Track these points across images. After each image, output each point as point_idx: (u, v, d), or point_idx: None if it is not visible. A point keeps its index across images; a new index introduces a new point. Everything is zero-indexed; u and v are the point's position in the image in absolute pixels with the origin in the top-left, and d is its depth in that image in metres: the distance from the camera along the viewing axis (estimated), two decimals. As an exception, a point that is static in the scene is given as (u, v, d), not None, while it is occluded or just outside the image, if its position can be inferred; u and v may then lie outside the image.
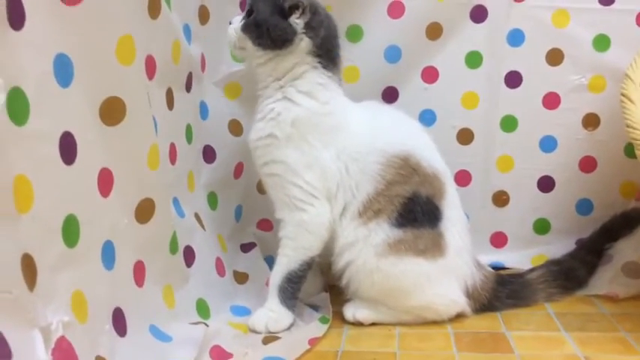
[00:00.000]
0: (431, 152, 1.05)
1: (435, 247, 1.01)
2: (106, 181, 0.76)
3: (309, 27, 0.99)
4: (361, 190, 1.01)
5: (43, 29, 0.64)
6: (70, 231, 0.68)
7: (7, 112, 0.57)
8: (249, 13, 1.01)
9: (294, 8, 0.98)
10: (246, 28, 1.01)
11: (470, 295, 1.04)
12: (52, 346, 0.61)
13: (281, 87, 1.02)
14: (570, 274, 1.13)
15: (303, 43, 1.00)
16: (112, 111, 0.76)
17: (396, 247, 0.99)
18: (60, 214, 0.67)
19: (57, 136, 0.66)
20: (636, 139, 0.94)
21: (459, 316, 1.04)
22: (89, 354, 0.67)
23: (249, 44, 1.01)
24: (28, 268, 0.60)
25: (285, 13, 0.99)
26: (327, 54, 1.02)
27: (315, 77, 1.02)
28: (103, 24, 0.72)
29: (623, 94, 1.02)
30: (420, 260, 0.99)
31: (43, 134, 0.64)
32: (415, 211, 1.00)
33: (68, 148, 0.68)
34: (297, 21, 0.99)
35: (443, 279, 1.01)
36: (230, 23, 1.04)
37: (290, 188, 1.01)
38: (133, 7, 0.81)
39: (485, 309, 1.06)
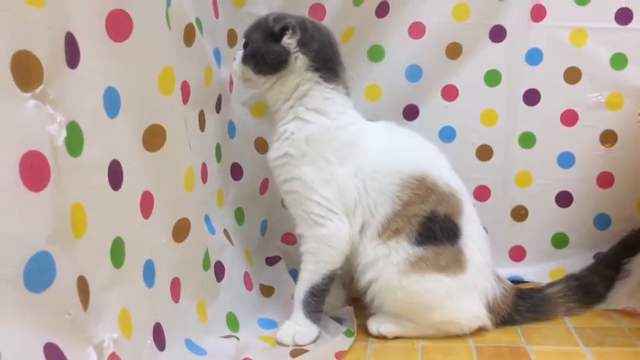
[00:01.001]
0: (447, 172, 1.09)
1: (455, 264, 1.04)
2: (147, 204, 0.81)
3: (301, 44, 1.03)
4: (380, 210, 1.04)
5: (95, 65, 0.68)
6: (117, 252, 0.73)
7: (65, 146, 0.62)
8: (245, 46, 1.07)
9: (284, 30, 1.02)
10: (245, 60, 1.05)
11: (491, 309, 1.07)
12: (105, 362, 0.65)
13: (291, 107, 1.05)
14: (589, 288, 1.16)
15: (299, 61, 1.03)
16: (153, 138, 0.80)
17: (417, 265, 1.02)
18: (109, 237, 0.72)
19: (106, 165, 0.71)
20: (655, 161, 0.97)
21: (481, 330, 1.07)
22: (135, 368, 0.72)
23: (251, 74, 1.06)
24: (83, 289, 0.64)
25: (277, 37, 1.03)
26: (325, 65, 1.05)
27: (320, 93, 1.05)
28: (147, 57, 0.77)
29: (640, 115, 1.05)
30: (442, 276, 1.02)
31: (95, 163, 0.69)
32: (434, 229, 1.03)
33: (116, 175, 0.73)
34: (289, 41, 1.03)
35: (464, 294, 1.04)
36: (234, 59, 1.09)
37: (308, 204, 1.04)
38: (172, 39, 0.86)
39: (505, 322, 1.09)
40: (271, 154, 1.08)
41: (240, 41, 1.22)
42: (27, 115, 0.56)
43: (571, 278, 1.18)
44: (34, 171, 0.56)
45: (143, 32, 0.74)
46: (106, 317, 0.69)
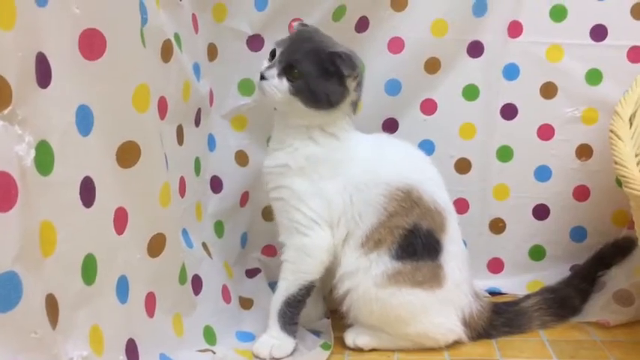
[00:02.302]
0: (435, 187, 1.09)
1: (433, 279, 1.05)
2: (121, 220, 0.81)
3: (359, 85, 1.06)
4: (365, 220, 1.04)
5: (67, 84, 0.69)
6: (89, 269, 0.73)
7: (35, 165, 0.62)
8: (287, 68, 1.01)
9: (351, 74, 1.03)
10: (297, 92, 1.01)
11: (467, 324, 1.08)
12: (73, 379, 0.65)
13: (307, 127, 1.06)
14: (565, 302, 1.17)
15: (350, 98, 1.05)
16: (127, 154, 0.81)
17: (394, 278, 1.03)
18: (80, 254, 0.72)
19: (78, 182, 0.72)
20: (624, 176, 0.99)
21: (457, 343, 1.08)
22: (105, 385, 0.72)
23: (298, 104, 1.02)
24: (51, 307, 0.65)
25: (340, 76, 1.02)
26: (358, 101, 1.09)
27: (344, 123, 1.07)
28: (121, 75, 0.78)
29: (611, 131, 1.07)
30: (418, 291, 1.03)
31: (66, 181, 0.70)
32: (415, 244, 1.04)
33: (88, 192, 0.73)
34: (353, 84, 1.04)
35: (440, 308, 1.06)
36: (263, 78, 1.02)
37: (293, 213, 1.05)
38: (147, 56, 0.87)
39: (481, 337, 1.10)
40: (269, 161, 1.08)
41: (221, 56, 1.23)
42: (-6, 136, 0.56)
43: (547, 291, 1.20)
44: (1, 191, 0.56)
45: (117, 51, 0.75)
46: (76, 334, 0.69)
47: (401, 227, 1.04)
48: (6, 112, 0.58)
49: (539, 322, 1.14)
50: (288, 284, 1.06)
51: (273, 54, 1.05)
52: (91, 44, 0.73)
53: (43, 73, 0.65)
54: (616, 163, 1.02)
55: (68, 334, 0.67)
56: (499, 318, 1.12)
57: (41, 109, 0.64)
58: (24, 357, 0.58)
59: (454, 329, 1.07)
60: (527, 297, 1.19)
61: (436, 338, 1.06)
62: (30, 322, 0.60)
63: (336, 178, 1.05)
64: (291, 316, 1.06)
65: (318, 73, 1.02)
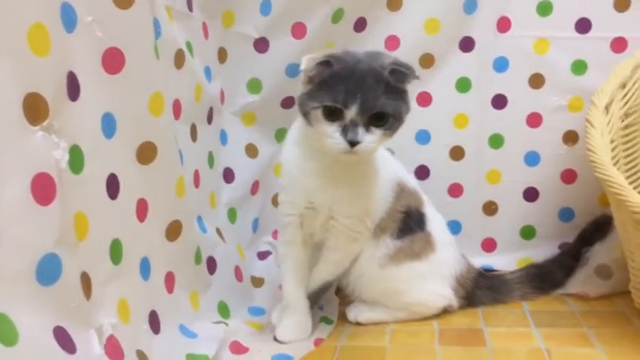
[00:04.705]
0: (406, 172, 1.22)
1: (427, 246, 1.17)
2: (142, 209, 0.94)
3: None
4: (379, 213, 1.14)
5: (93, 96, 0.81)
6: (116, 252, 0.86)
7: (69, 166, 0.75)
8: (373, 119, 0.96)
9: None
10: (391, 131, 1.00)
11: (458, 281, 1.20)
12: (104, 342, 0.78)
13: None
14: (547, 276, 1.28)
15: None
16: (146, 153, 0.93)
17: (396, 257, 1.15)
18: (108, 239, 0.85)
19: (104, 178, 0.84)
20: (593, 161, 1.08)
21: (446, 314, 1.19)
22: (131, 348, 0.84)
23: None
24: (85, 283, 0.78)
25: (406, 93, 1.01)
26: None
27: None
28: (137, 85, 0.90)
29: (587, 120, 1.15)
30: (415, 263, 1.16)
31: (94, 178, 0.82)
32: (410, 222, 1.16)
33: (113, 187, 0.86)
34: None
35: (434, 276, 1.18)
36: (356, 143, 0.95)
37: None
38: (162, 66, 0.98)
39: (469, 297, 1.22)
40: None
41: (231, 58, 1.35)
42: (36, 144, 0.69)
43: (532, 267, 1.31)
44: (43, 189, 0.68)
45: (134, 65, 0.87)
46: (106, 306, 0.82)
47: (399, 212, 1.15)
48: (45, 124, 0.70)
49: (520, 292, 1.25)
50: (328, 275, 1.15)
51: (332, 113, 0.95)
52: (112, 61, 0.85)
53: (73, 89, 0.77)
54: (588, 149, 1.11)
55: (99, 305, 0.80)
56: (484, 280, 1.25)
57: (72, 119, 0.76)
58: (65, 322, 0.71)
59: (445, 294, 1.18)
60: (512, 272, 1.31)
61: (430, 304, 1.18)
62: (69, 294, 0.72)
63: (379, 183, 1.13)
64: (318, 299, 1.18)
65: (392, 98, 0.97)
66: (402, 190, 1.17)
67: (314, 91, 0.97)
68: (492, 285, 1.25)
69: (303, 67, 0.96)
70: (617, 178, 1.02)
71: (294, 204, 1.10)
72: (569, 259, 1.31)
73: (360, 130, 0.95)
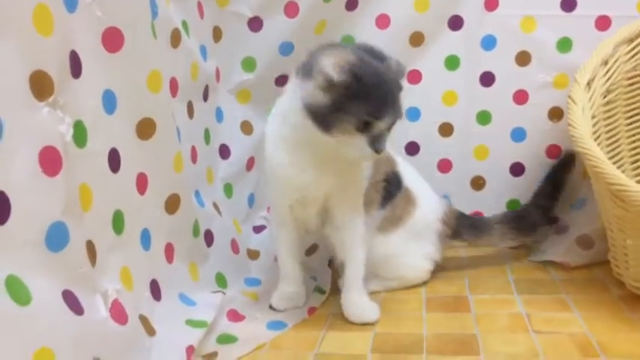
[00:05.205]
0: None
1: (408, 203, 1.23)
2: (142, 183, 0.98)
3: None
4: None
5: (95, 74, 0.85)
6: (118, 222, 0.91)
7: (73, 140, 0.80)
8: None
9: None
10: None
11: (443, 221, 1.27)
12: (109, 306, 0.83)
13: None
14: (524, 217, 1.35)
15: None
16: (145, 129, 0.97)
17: (382, 227, 1.20)
18: (110, 210, 0.89)
19: (106, 152, 0.88)
20: (573, 136, 1.12)
21: (434, 282, 1.26)
22: (134, 312, 0.89)
23: None
24: (90, 250, 0.82)
25: None
26: None
27: None
28: (136, 64, 0.94)
29: (569, 96, 1.20)
30: (400, 231, 1.22)
31: (97, 152, 0.86)
32: (390, 189, 1.20)
33: (114, 160, 0.90)
34: None
35: (420, 237, 1.24)
36: (381, 149, 0.96)
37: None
38: (159, 45, 1.02)
39: (455, 235, 1.29)
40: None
41: (225, 37, 1.38)
42: (42, 119, 0.73)
43: (510, 211, 1.41)
44: (50, 161, 0.73)
45: (132, 44, 0.91)
46: (110, 273, 0.86)
47: (380, 181, 1.19)
48: (50, 100, 0.74)
49: (499, 232, 1.33)
50: (361, 246, 1.13)
51: (364, 126, 0.94)
52: (112, 40, 0.88)
53: (76, 67, 0.81)
54: (569, 124, 1.15)
55: (104, 272, 0.85)
56: (467, 220, 1.33)
57: (76, 95, 0.80)
58: (73, 286, 0.75)
59: (430, 254, 1.26)
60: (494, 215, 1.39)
61: (416, 266, 1.25)
62: (76, 260, 0.77)
63: None
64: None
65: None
66: (377, 160, 1.19)
67: (342, 103, 0.91)
68: (474, 223, 1.33)
69: (334, 77, 0.90)
70: (594, 151, 1.07)
71: (282, 198, 1.10)
72: (542, 199, 1.38)
73: (386, 139, 0.96)
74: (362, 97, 0.91)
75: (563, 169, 1.39)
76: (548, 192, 1.38)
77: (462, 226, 1.31)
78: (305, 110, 0.95)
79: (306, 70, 0.95)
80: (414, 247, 1.24)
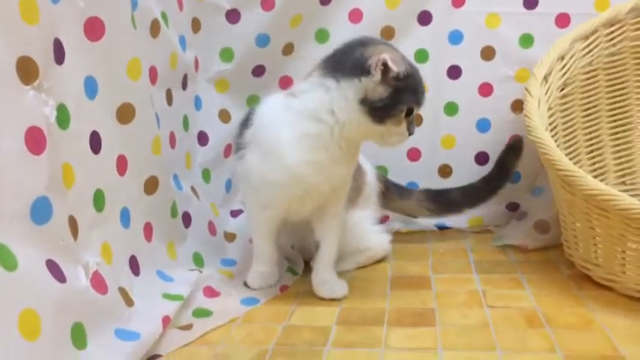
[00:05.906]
0: None
1: (360, 170, 1.30)
2: (122, 164, 1.04)
3: None
4: None
5: (77, 60, 0.91)
6: (98, 200, 0.97)
7: (56, 122, 0.86)
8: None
9: None
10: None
11: (378, 178, 1.41)
12: (90, 276, 0.89)
13: None
14: (443, 195, 1.47)
15: None
16: (125, 113, 1.03)
17: (350, 199, 1.24)
18: (91, 189, 0.95)
19: (88, 134, 0.94)
20: (528, 126, 1.20)
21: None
22: (114, 284, 0.95)
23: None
24: (72, 225, 0.88)
25: None
26: None
27: None
28: (117, 52, 0.99)
29: (525, 89, 1.28)
30: (357, 210, 1.30)
31: (79, 134, 0.92)
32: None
33: (95, 142, 0.96)
34: None
35: (369, 206, 1.36)
36: (414, 131, 1.07)
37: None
38: (138, 35, 1.08)
39: (384, 195, 1.41)
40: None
41: (204, 28, 1.44)
42: (28, 101, 0.79)
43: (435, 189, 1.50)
44: (35, 140, 0.79)
45: (113, 33, 0.97)
46: (91, 246, 0.92)
47: None
48: (35, 84, 0.80)
49: (417, 200, 1.46)
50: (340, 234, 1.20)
51: (409, 113, 1.03)
52: (93, 29, 0.94)
53: (59, 54, 0.87)
54: (525, 115, 1.23)
55: (85, 246, 0.90)
56: (395, 189, 1.46)
57: (59, 80, 0.86)
58: (56, 257, 0.81)
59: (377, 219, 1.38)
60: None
61: (376, 239, 1.35)
62: (59, 233, 0.83)
63: None
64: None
65: None
66: None
67: (398, 94, 0.99)
68: (399, 190, 1.46)
69: (400, 72, 0.98)
70: (546, 140, 1.15)
71: (286, 195, 1.11)
72: (477, 183, 1.49)
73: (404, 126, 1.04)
74: (412, 87, 1.01)
75: (512, 154, 1.47)
76: (489, 176, 1.47)
77: (389, 189, 1.42)
78: (362, 105, 0.99)
79: (354, 67, 0.99)
80: (369, 213, 1.34)
